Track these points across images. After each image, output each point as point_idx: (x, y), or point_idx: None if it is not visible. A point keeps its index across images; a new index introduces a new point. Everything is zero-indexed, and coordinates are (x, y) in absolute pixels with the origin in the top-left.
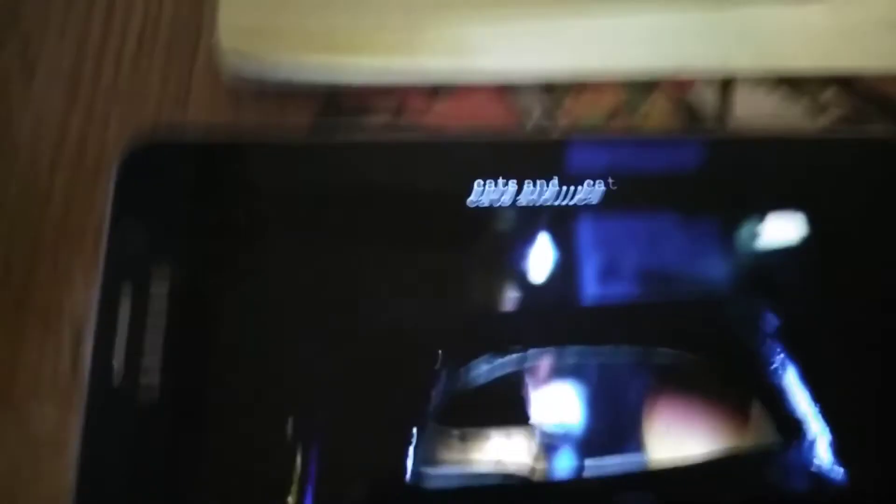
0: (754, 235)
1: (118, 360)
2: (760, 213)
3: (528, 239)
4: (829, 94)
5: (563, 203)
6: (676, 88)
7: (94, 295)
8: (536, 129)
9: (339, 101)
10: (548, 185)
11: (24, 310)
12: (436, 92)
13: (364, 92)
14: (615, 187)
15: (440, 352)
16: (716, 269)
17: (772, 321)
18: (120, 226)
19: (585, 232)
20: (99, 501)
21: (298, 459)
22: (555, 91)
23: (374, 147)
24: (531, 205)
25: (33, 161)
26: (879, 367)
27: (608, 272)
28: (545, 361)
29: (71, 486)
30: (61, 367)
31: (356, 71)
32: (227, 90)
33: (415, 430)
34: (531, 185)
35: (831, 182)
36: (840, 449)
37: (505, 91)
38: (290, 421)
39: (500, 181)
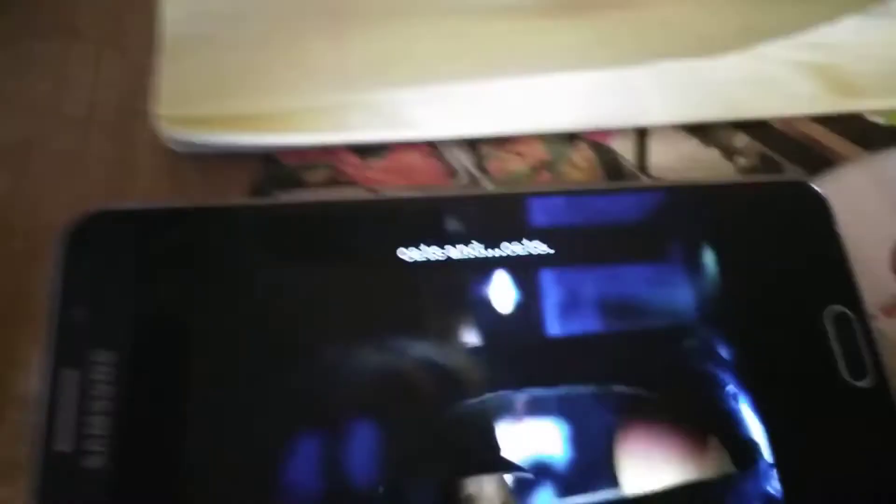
0: (694, 273)
1: (64, 434)
2: (694, 252)
3: (482, 286)
4: (739, 140)
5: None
6: (597, 137)
7: (41, 374)
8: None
9: (279, 159)
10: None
11: None
12: (370, 150)
13: (302, 151)
14: (555, 247)
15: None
16: (662, 305)
17: (721, 351)
18: (66, 297)
19: (535, 281)
20: None
21: None
22: (482, 147)
23: (314, 207)
24: (475, 258)
25: None
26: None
27: (562, 313)
28: (506, 404)
29: None
30: (11, 446)
31: (292, 142)
32: (170, 157)
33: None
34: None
35: (751, 222)
36: (787, 477)
37: (435, 148)
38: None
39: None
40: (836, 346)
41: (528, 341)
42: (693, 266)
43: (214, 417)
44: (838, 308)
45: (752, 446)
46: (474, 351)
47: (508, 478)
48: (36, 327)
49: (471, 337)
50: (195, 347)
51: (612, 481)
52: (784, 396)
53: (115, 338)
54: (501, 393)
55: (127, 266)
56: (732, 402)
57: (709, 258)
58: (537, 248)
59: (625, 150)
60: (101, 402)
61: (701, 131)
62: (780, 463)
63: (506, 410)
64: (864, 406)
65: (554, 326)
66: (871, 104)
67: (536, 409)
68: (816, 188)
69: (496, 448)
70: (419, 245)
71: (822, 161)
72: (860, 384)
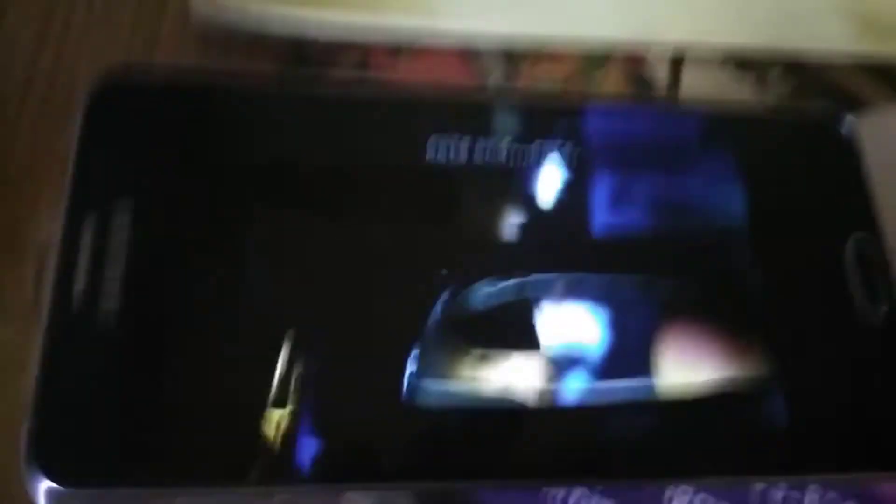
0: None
1: (79, 286)
2: (731, 171)
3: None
4: (774, 74)
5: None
6: (629, 63)
7: (59, 224)
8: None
9: (305, 52)
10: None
11: None
12: (399, 50)
13: (329, 45)
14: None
15: (443, 272)
16: (700, 211)
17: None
18: (86, 158)
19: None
20: (54, 417)
21: (288, 374)
22: (514, 57)
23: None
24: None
25: (2, 97)
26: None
27: (612, 203)
28: (550, 287)
29: (29, 403)
30: (24, 294)
31: (322, 25)
32: (196, 35)
33: (414, 347)
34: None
35: (783, 148)
36: (795, 394)
37: (466, 53)
38: (274, 339)
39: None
40: (853, 271)
41: (579, 230)
42: (729, 182)
43: (222, 270)
44: (859, 235)
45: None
46: (518, 236)
47: (547, 356)
48: (52, 186)
49: (527, 214)
50: (207, 204)
51: (647, 370)
52: (801, 316)
53: (132, 190)
54: (544, 275)
55: (145, 125)
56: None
57: (744, 177)
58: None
59: (658, 72)
60: (115, 247)
61: (734, 63)
62: (789, 375)
63: (548, 292)
64: (877, 334)
65: (610, 215)
66: None
67: (578, 292)
68: (848, 121)
69: (535, 328)
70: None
71: (855, 102)
72: (876, 313)
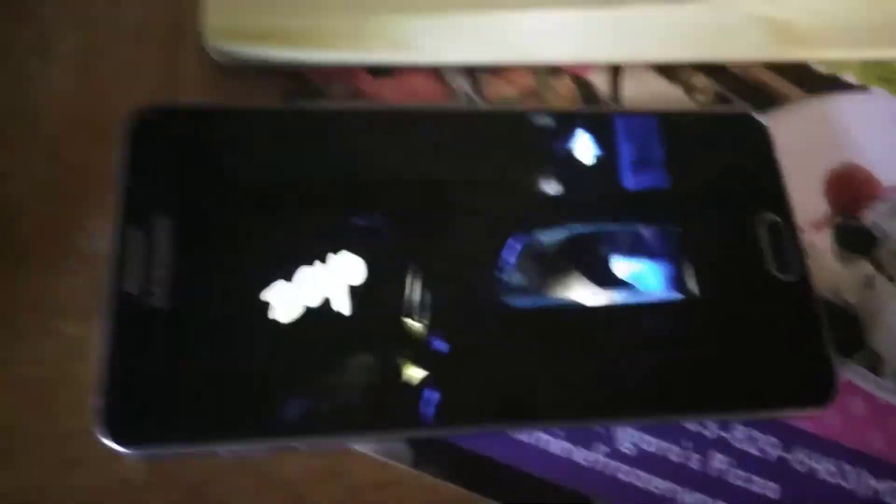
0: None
1: (132, 280)
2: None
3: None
4: (699, 80)
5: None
6: (577, 71)
7: (112, 231)
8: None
9: (304, 76)
10: None
11: (51, 246)
12: (382, 72)
13: (324, 70)
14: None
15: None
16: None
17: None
18: (131, 173)
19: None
20: (121, 393)
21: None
22: (478, 74)
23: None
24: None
25: (51, 125)
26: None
27: (635, 168)
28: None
29: (95, 383)
30: (81, 294)
31: (316, 59)
32: (212, 67)
33: (505, 265)
34: None
35: (705, 143)
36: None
37: (438, 73)
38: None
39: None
40: (767, 245)
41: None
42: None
43: (256, 269)
44: (772, 216)
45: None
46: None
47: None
48: (99, 199)
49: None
50: (232, 214)
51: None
52: (719, 285)
53: (170, 205)
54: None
55: (178, 150)
56: None
57: (672, 168)
58: None
59: (601, 83)
60: (160, 255)
61: (666, 71)
62: (716, 328)
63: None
64: (788, 296)
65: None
66: (815, 54)
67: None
68: (760, 119)
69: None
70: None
71: (770, 101)
72: (786, 279)
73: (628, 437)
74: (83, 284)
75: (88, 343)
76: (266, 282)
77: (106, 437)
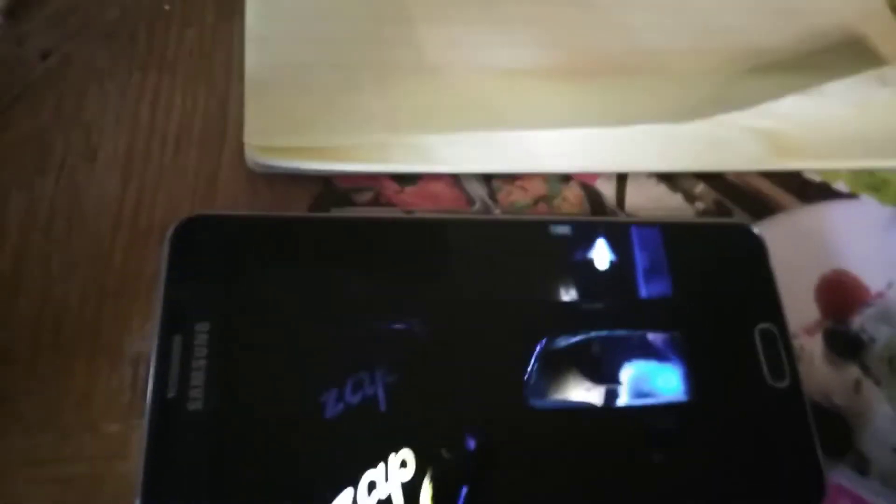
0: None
1: (172, 384)
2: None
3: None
4: (699, 188)
5: None
6: (586, 179)
7: (153, 335)
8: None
9: (334, 182)
10: None
11: (94, 347)
12: (406, 179)
13: (352, 177)
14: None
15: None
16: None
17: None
18: (173, 280)
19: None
20: (161, 495)
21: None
22: (494, 181)
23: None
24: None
25: (97, 228)
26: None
27: (647, 278)
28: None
29: (137, 484)
30: (123, 394)
31: (346, 169)
32: (247, 173)
33: (529, 370)
34: None
35: (703, 253)
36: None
37: (457, 180)
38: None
39: None
40: (761, 352)
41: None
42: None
43: (289, 375)
44: (766, 325)
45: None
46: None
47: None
48: (142, 301)
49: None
50: (269, 320)
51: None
52: (718, 390)
53: (210, 311)
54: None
55: (217, 258)
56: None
57: (674, 277)
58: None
59: (607, 190)
60: (199, 360)
61: (669, 179)
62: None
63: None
64: (780, 402)
65: (647, 285)
66: (808, 164)
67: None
68: (755, 230)
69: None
70: None
71: (766, 208)
72: (779, 385)
73: None
74: (125, 385)
75: (131, 442)
76: (308, 386)
77: None
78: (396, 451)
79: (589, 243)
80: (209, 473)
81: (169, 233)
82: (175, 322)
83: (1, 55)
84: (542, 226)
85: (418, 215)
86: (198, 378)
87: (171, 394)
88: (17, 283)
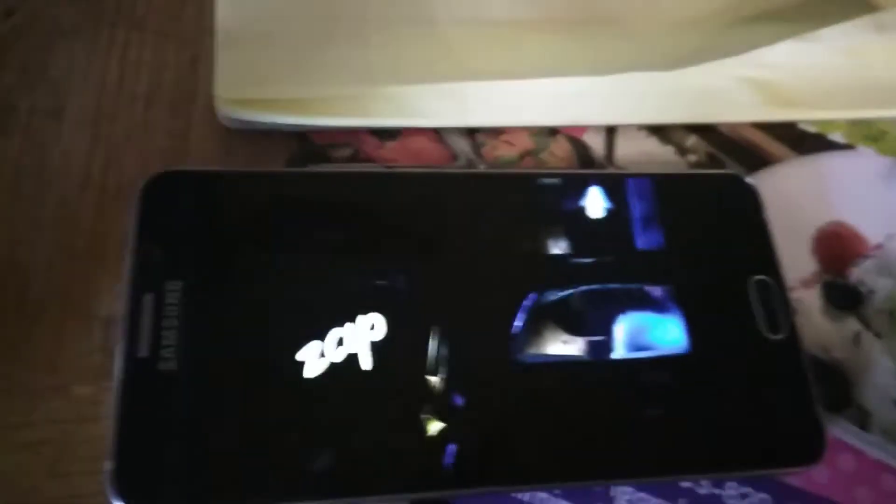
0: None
1: (143, 344)
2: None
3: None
4: (690, 140)
5: None
6: (573, 132)
7: (123, 295)
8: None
9: (311, 138)
10: None
11: (64, 309)
12: (386, 134)
13: (329, 132)
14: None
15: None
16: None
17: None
18: (143, 238)
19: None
20: (133, 457)
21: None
22: (479, 136)
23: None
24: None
25: (65, 188)
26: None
27: (638, 231)
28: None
29: (109, 446)
30: (94, 356)
31: (323, 124)
32: (221, 131)
33: (517, 323)
34: None
35: (696, 204)
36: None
37: (439, 135)
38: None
39: None
40: (757, 306)
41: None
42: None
43: (261, 333)
44: (761, 277)
45: None
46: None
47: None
48: (111, 262)
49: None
50: (243, 277)
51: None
52: (713, 342)
53: (181, 269)
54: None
55: (189, 215)
56: None
57: (667, 229)
58: None
59: (596, 143)
60: (171, 319)
61: (659, 132)
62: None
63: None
64: (777, 355)
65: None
66: (802, 115)
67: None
68: (749, 181)
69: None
70: None
71: (760, 161)
72: (775, 338)
73: (624, 495)
74: (95, 346)
75: (101, 404)
76: (286, 343)
77: (118, 500)
78: (380, 409)
79: (578, 196)
80: (182, 435)
81: (138, 189)
82: (145, 280)
83: None
84: (530, 179)
85: (399, 169)
86: (170, 337)
87: (142, 354)
88: None
